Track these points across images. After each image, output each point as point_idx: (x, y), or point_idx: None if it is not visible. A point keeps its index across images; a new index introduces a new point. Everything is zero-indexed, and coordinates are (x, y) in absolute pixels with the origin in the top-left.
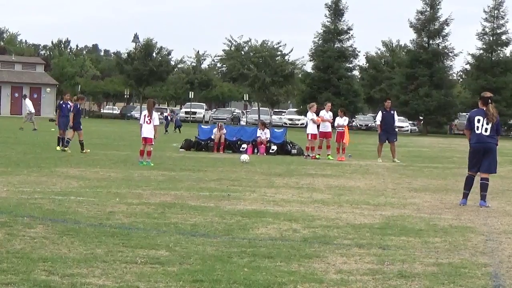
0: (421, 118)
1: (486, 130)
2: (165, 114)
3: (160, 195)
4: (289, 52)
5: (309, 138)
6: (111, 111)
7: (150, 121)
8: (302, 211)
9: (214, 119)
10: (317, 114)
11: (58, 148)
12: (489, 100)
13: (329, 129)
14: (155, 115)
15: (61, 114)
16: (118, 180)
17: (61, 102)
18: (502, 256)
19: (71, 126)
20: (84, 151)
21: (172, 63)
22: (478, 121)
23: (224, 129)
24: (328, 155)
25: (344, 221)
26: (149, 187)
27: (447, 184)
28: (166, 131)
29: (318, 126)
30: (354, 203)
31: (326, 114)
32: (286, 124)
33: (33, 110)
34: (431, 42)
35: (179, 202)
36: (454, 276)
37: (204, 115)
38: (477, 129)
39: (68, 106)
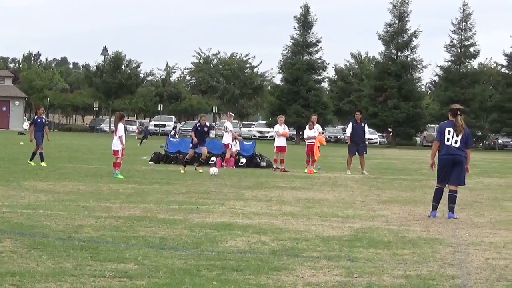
0: (390, 130)
1: (456, 142)
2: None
3: (129, 208)
4: (258, 65)
5: (275, 150)
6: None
7: (116, 134)
8: (271, 224)
9: (183, 131)
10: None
11: (32, 163)
12: (458, 112)
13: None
14: (120, 126)
15: (36, 129)
16: (87, 194)
17: (35, 117)
18: (470, 267)
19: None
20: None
21: (141, 75)
22: (449, 132)
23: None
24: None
25: (313, 233)
26: (118, 200)
27: (416, 196)
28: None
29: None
30: (323, 215)
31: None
32: (255, 136)
33: None
34: (399, 54)
35: (148, 215)
36: None
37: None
38: (447, 141)
39: (43, 120)
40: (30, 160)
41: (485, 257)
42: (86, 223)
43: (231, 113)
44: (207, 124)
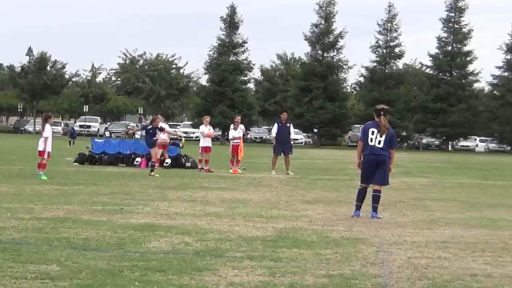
0: (315, 130)
1: (379, 142)
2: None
3: (52, 209)
4: (184, 65)
5: (200, 151)
6: None
7: (43, 135)
8: (195, 224)
9: (111, 132)
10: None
11: None
12: (382, 112)
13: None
14: (47, 127)
15: None
16: (10, 195)
17: None
18: (392, 267)
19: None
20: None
21: (67, 76)
22: (372, 133)
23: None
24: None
25: (237, 233)
26: (41, 201)
27: (340, 196)
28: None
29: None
30: (247, 215)
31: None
32: (180, 137)
33: None
34: (325, 55)
35: (71, 217)
36: (345, 287)
37: (98, 129)
38: (371, 141)
39: None
40: None
41: (407, 256)
42: (8, 225)
43: (159, 115)
44: (160, 126)
